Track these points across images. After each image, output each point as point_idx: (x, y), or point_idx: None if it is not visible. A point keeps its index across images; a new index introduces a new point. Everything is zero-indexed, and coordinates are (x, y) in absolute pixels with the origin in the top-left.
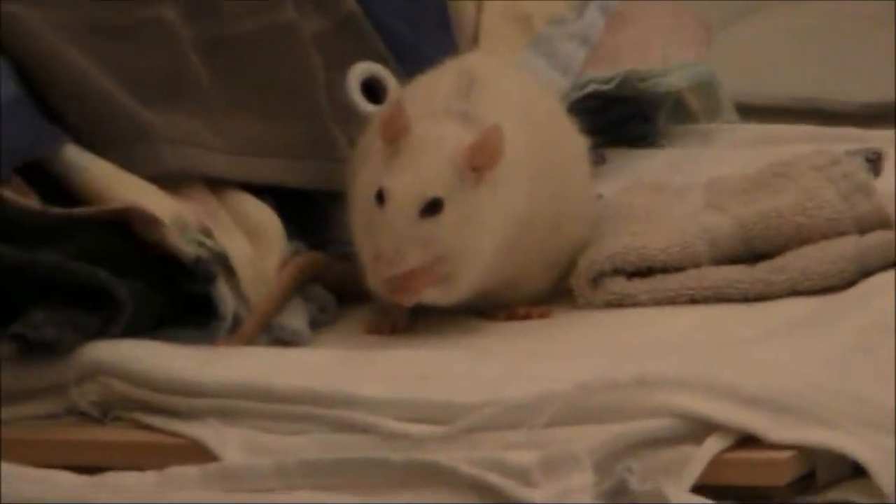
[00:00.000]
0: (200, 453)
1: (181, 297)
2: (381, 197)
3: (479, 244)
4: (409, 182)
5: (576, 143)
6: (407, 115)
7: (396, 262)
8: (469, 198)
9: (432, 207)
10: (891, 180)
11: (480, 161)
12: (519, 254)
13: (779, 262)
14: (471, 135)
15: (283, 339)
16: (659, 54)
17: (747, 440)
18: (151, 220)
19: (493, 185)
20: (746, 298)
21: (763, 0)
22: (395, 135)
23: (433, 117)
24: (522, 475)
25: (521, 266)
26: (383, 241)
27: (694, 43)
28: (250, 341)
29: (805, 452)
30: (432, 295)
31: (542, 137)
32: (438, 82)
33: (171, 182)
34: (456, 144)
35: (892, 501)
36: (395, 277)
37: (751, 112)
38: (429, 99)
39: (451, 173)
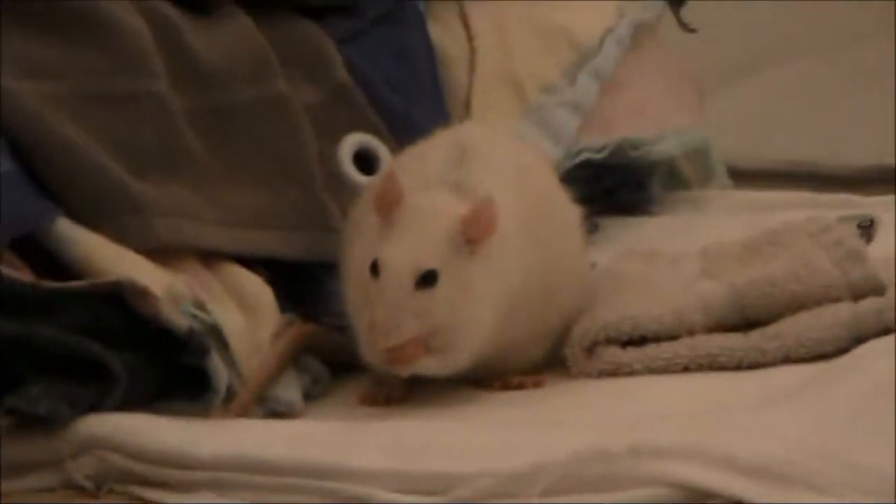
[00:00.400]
0: None
1: (175, 369)
2: (375, 268)
3: (474, 315)
4: (403, 253)
5: (569, 211)
6: (400, 185)
7: (392, 334)
8: (463, 269)
9: (427, 279)
10: (885, 245)
11: (474, 233)
12: (513, 323)
13: (773, 329)
14: (465, 205)
15: (277, 411)
16: (654, 118)
17: None
18: (144, 293)
19: (487, 256)
20: (741, 366)
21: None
22: (389, 206)
23: (426, 188)
24: None
25: (516, 335)
26: (378, 313)
27: (688, 107)
28: (244, 413)
29: None
30: (430, 366)
31: (536, 207)
32: (431, 153)
33: (163, 254)
34: (450, 216)
35: None
36: (391, 349)
37: (744, 176)
38: (421, 169)
39: (446, 245)
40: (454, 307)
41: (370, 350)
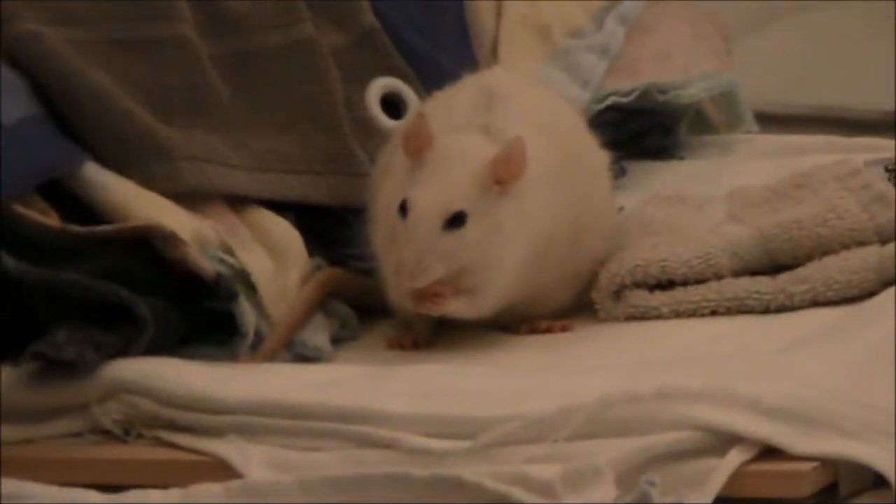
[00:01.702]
0: (223, 470)
1: (203, 314)
2: (404, 209)
3: (502, 257)
4: (432, 194)
5: (597, 156)
6: (429, 127)
7: (419, 275)
8: (492, 211)
9: (456, 221)
10: None
11: (504, 174)
12: (541, 267)
13: (800, 272)
14: (494, 148)
15: (305, 356)
16: (680, 64)
17: (770, 452)
18: (172, 238)
19: (516, 198)
20: (768, 310)
21: (784, 3)
22: (418, 147)
23: (455, 131)
24: (546, 489)
25: (544, 280)
26: (406, 253)
27: (714, 53)
28: (272, 358)
29: (828, 463)
30: (458, 307)
31: (564, 151)
32: (458, 98)
33: (191, 199)
34: (480, 157)
35: None
36: (418, 290)
37: (771, 121)
38: (449, 114)
39: (475, 186)
40: (482, 249)
41: (397, 291)
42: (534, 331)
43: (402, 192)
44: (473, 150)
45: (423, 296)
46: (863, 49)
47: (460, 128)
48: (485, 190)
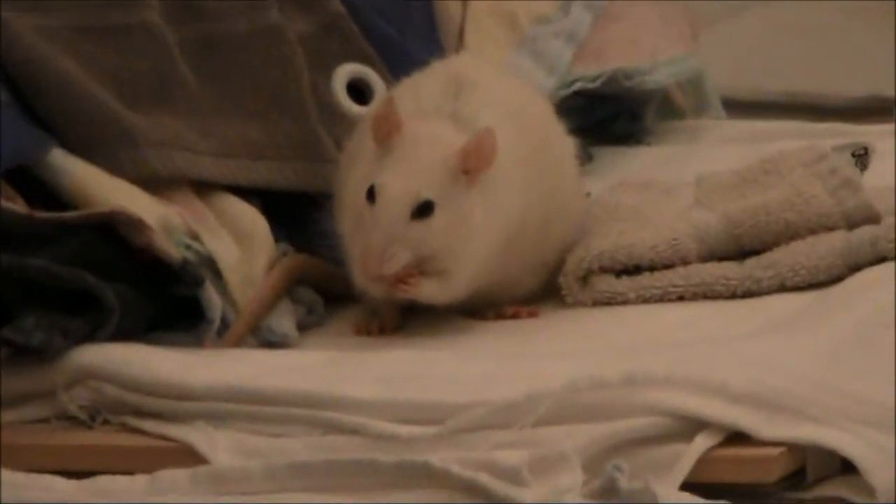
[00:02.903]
0: (190, 456)
1: (169, 300)
2: (372, 194)
3: (469, 246)
4: (401, 181)
5: (564, 143)
6: (398, 112)
7: (385, 261)
8: (460, 200)
9: (424, 209)
10: (879, 174)
11: (473, 163)
12: (510, 255)
13: (767, 258)
14: (463, 136)
15: (272, 342)
16: (648, 50)
17: (737, 437)
18: (138, 224)
19: (484, 188)
20: (735, 295)
21: None
22: (387, 132)
23: (424, 117)
24: (512, 475)
25: (512, 266)
26: (373, 239)
27: (681, 38)
28: (239, 344)
29: (795, 449)
30: (429, 291)
31: (532, 139)
32: (426, 84)
33: (157, 185)
34: (448, 146)
35: (883, 498)
36: (383, 276)
37: (738, 107)
38: (417, 101)
39: (444, 175)
40: (449, 238)
41: (363, 276)
42: (501, 316)
43: (370, 178)
44: (443, 138)
45: (393, 280)
46: (830, 36)
47: (429, 114)
48: (453, 179)
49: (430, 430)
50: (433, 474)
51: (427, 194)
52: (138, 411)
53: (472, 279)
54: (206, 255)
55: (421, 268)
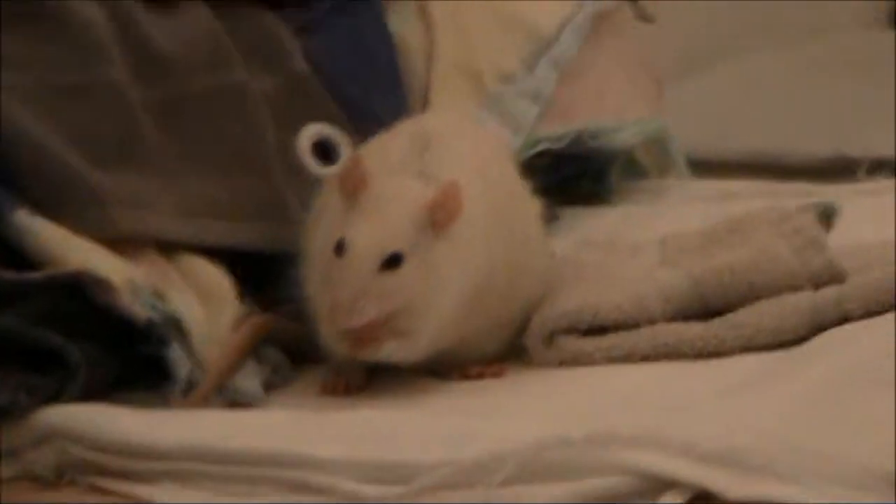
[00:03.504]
0: None
1: (135, 359)
2: (340, 248)
3: (437, 299)
4: (369, 235)
5: (530, 201)
6: (365, 168)
7: (354, 315)
8: (429, 253)
9: (392, 262)
10: (844, 234)
11: (440, 216)
12: (476, 312)
13: (733, 318)
14: (429, 190)
15: (237, 401)
16: (613, 107)
17: (703, 496)
18: (103, 284)
19: (452, 241)
20: (701, 355)
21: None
22: (354, 188)
23: (391, 174)
24: None
25: (478, 325)
26: (341, 293)
27: (647, 97)
28: (205, 403)
29: None
30: (392, 350)
31: (498, 196)
32: (393, 143)
33: (122, 245)
34: (416, 200)
35: None
36: (352, 330)
37: (704, 167)
38: (385, 159)
39: (412, 228)
40: (418, 290)
41: (331, 331)
42: (466, 376)
43: (337, 233)
44: (409, 192)
45: (358, 338)
46: (795, 96)
47: (395, 172)
48: (421, 232)
49: (397, 489)
50: None
51: (396, 246)
52: (105, 471)
53: (438, 337)
54: (171, 315)
55: (388, 324)
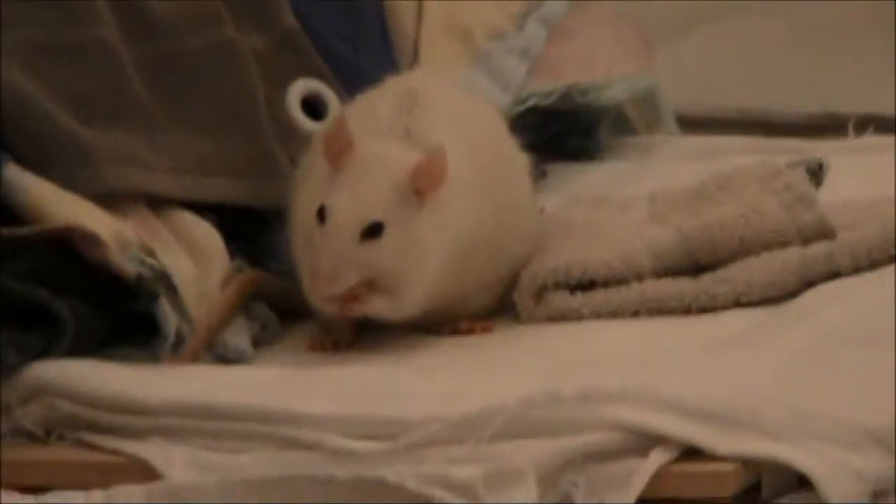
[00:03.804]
0: (145, 472)
1: (124, 315)
2: (322, 215)
3: (419, 266)
4: (351, 203)
5: (518, 159)
6: (349, 132)
7: (334, 282)
8: (410, 221)
9: (373, 231)
10: (834, 190)
11: (423, 184)
12: (463, 272)
13: (722, 274)
14: (414, 155)
15: (227, 357)
16: (602, 66)
17: (692, 452)
18: (93, 240)
19: (435, 208)
20: (689, 311)
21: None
22: (338, 153)
23: (376, 135)
24: (467, 490)
25: (466, 283)
26: (322, 260)
27: (636, 55)
28: (194, 359)
29: (750, 464)
30: (379, 307)
31: (485, 155)
32: (380, 101)
33: (112, 201)
34: (399, 166)
35: None
36: (333, 296)
37: (693, 124)
38: (371, 117)
39: (394, 196)
40: (399, 259)
41: (313, 296)
42: (455, 332)
43: (320, 198)
44: (393, 157)
45: (343, 298)
46: (784, 53)
47: (382, 132)
48: (404, 200)
49: (386, 445)
50: (388, 489)
51: (376, 216)
52: (93, 427)
53: (424, 296)
54: (160, 271)
55: (371, 286)
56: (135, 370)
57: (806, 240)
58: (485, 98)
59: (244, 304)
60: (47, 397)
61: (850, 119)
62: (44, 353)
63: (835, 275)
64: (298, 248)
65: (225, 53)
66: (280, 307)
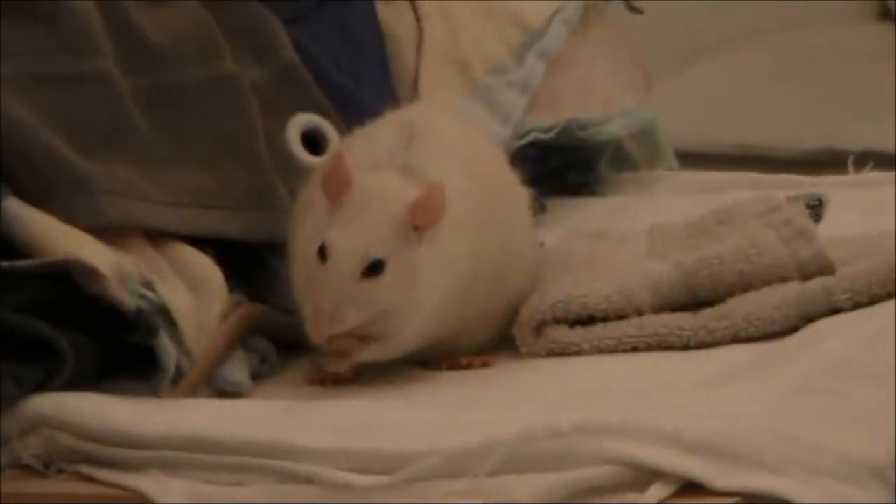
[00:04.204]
0: None
1: (123, 348)
2: (322, 253)
3: (419, 302)
4: (351, 240)
5: (518, 193)
6: (348, 168)
7: (336, 322)
8: (411, 256)
9: (374, 268)
10: (833, 225)
11: (423, 219)
12: (462, 306)
13: (721, 309)
14: (413, 189)
15: (225, 391)
16: (600, 98)
17: (691, 487)
18: (92, 273)
19: (435, 242)
20: (689, 346)
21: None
22: (338, 189)
23: (375, 170)
24: None
25: (464, 317)
26: (323, 299)
27: (635, 87)
28: (193, 393)
29: (749, 499)
30: (370, 353)
31: (485, 189)
32: (379, 134)
33: (111, 234)
34: (399, 201)
35: None
36: (334, 336)
37: (692, 159)
38: (370, 151)
39: (394, 232)
40: (400, 296)
41: (314, 336)
42: (454, 367)
43: (320, 235)
44: (393, 192)
45: (336, 346)
46: (783, 88)
47: (381, 166)
48: (403, 235)
49: (384, 479)
50: None
51: (377, 253)
52: (92, 460)
53: (419, 335)
54: (159, 304)
55: (369, 329)
56: (133, 403)
57: (805, 275)
58: (484, 131)
59: (243, 338)
60: (46, 430)
61: (850, 154)
62: (43, 385)
63: (834, 310)
64: (299, 285)
65: (225, 86)
66: (279, 340)
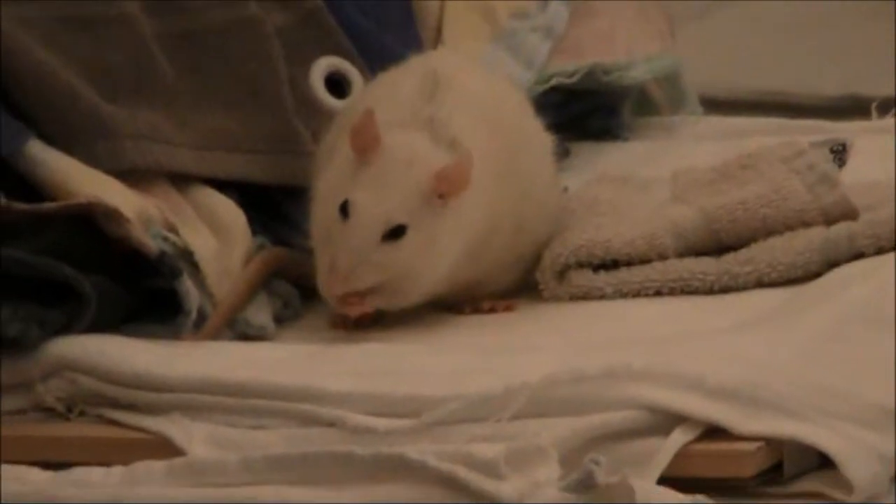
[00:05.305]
0: (166, 448)
1: (146, 292)
2: (345, 210)
3: (435, 264)
4: (375, 203)
5: (541, 139)
6: (377, 126)
7: (351, 281)
8: (432, 223)
9: (395, 233)
10: (857, 170)
11: (448, 188)
12: (481, 258)
13: (745, 253)
14: (440, 154)
15: (248, 334)
16: (624, 46)
17: (714, 432)
18: (115, 216)
19: (457, 210)
20: (712, 291)
21: None
22: (365, 146)
23: (402, 127)
24: (489, 468)
25: (484, 266)
26: (341, 257)
27: (658, 35)
28: (215, 336)
29: (772, 444)
30: (381, 303)
31: (507, 141)
32: (403, 83)
33: (134, 177)
34: (425, 168)
35: (860, 493)
36: (347, 294)
37: (716, 105)
38: (394, 101)
39: (418, 199)
40: (417, 260)
41: (326, 290)
42: (477, 311)
43: (344, 191)
44: (419, 158)
45: (348, 300)
46: (807, 35)
47: (406, 120)
48: (427, 202)
49: (407, 422)
50: (410, 467)
51: (401, 218)
52: (115, 403)
53: (431, 289)
54: (183, 248)
55: (383, 288)
56: (156, 347)
57: (829, 220)
58: (508, 76)
59: (266, 281)
60: (69, 373)
61: (873, 101)
62: (66, 328)
63: (857, 255)
64: (317, 235)
65: (248, 30)
66: (302, 284)
